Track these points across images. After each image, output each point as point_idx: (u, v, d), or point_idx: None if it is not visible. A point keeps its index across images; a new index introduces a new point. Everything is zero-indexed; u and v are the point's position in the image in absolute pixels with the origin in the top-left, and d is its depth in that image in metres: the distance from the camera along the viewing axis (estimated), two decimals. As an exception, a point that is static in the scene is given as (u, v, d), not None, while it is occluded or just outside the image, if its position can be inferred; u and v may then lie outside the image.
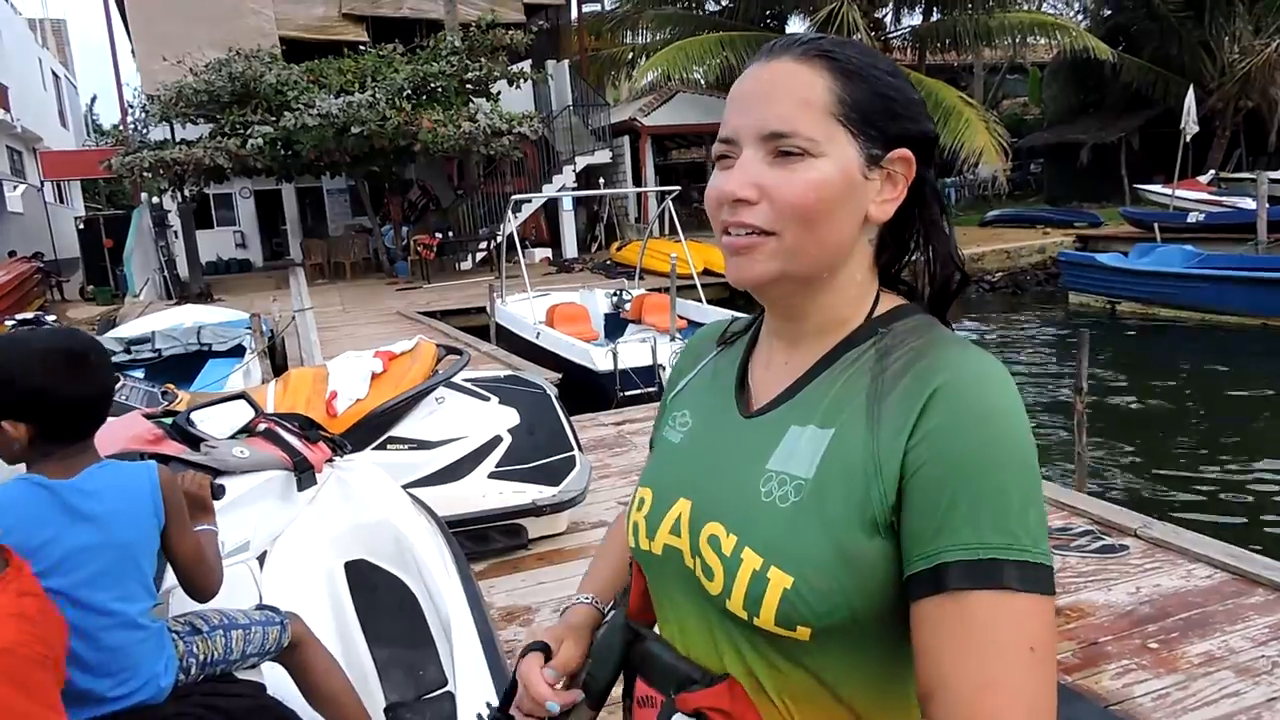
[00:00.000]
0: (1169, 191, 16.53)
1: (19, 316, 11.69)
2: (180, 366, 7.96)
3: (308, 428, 2.71)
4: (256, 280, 19.14)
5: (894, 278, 0.89)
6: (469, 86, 16.92)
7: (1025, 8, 20.82)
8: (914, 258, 0.88)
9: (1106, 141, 21.81)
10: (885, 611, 0.74)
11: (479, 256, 18.39)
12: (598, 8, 26.04)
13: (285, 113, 15.26)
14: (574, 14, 23.34)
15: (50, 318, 12.35)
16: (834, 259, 0.81)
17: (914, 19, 22.19)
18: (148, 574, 1.56)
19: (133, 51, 19.09)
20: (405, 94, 16.02)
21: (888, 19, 21.46)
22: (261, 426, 2.53)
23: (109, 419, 2.61)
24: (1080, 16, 25.38)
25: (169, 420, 2.43)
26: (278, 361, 9.26)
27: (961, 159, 17.84)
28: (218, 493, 2.00)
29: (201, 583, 1.71)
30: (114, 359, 7.13)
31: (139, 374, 7.32)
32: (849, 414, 0.78)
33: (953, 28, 19.91)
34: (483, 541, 3.90)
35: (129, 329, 9.14)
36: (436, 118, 15.64)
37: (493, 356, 8.86)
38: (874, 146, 0.79)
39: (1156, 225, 14.77)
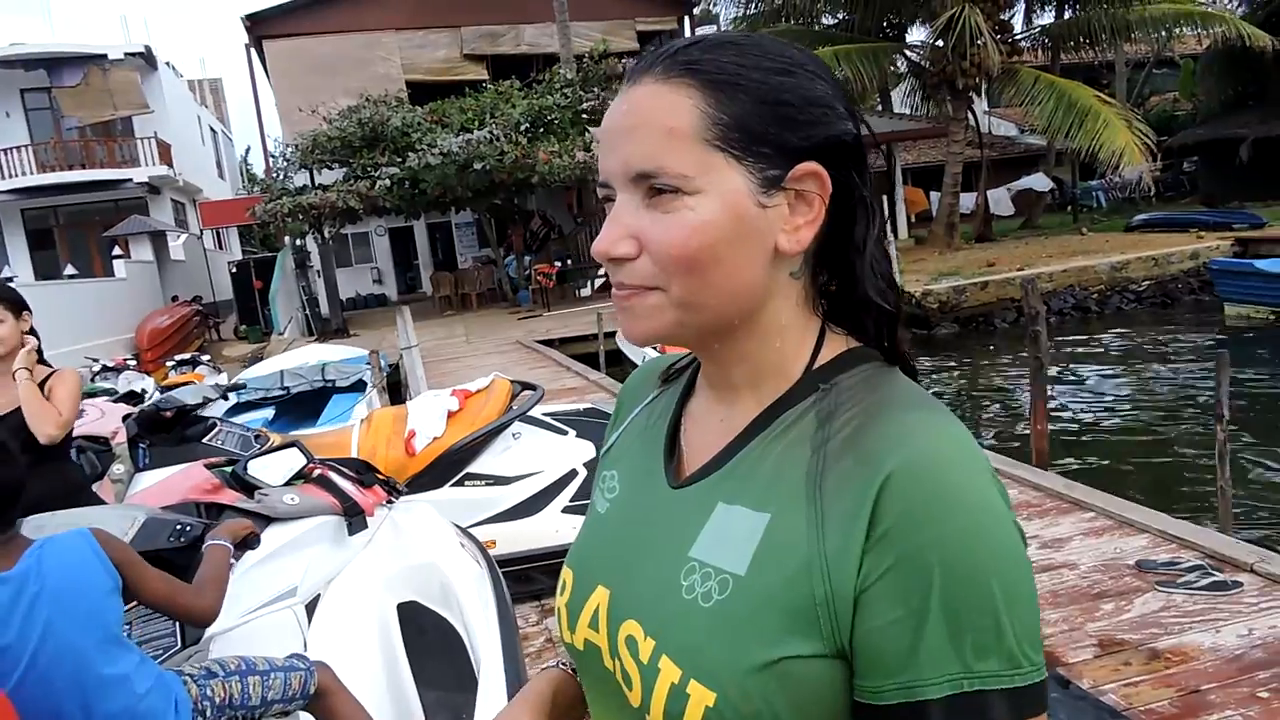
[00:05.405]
0: (1342, 185, 15.04)
1: (178, 357, 12.69)
2: (308, 403, 8.38)
3: (363, 471, 2.78)
4: (390, 314, 20.03)
5: (843, 313, 0.75)
6: (584, 116, 17.28)
7: (1170, -2, 19.48)
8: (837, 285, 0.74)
9: (1271, 135, 20.06)
10: None
11: (598, 283, 18.68)
12: (712, 28, 26.11)
13: (410, 153, 16.01)
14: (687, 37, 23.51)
15: (205, 357, 13.34)
16: (742, 305, 0.69)
17: (1046, 18, 21.21)
18: (118, 633, 1.59)
19: (276, 104, 20.48)
20: (522, 128, 16.51)
21: (1016, 20, 20.56)
22: (315, 473, 2.61)
23: (174, 469, 2.77)
24: (1234, 2, 23.58)
25: (228, 469, 2.54)
26: (400, 395, 9.62)
27: (1102, 161, 16.83)
28: (253, 543, 2.06)
29: (185, 610, 1.72)
30: (243, 399, 7.59)
31: (269, 412, 7.76)
32: (787, 496, 0.65)
33: (1088, 24, 18.87)
34: (556, 576, 3.90)
35: (258, 369, 9.70)
36: (552, 149, 16.03)
37: (600, 385, 8.93)
38: (770, 166, 0.66)
39: (1327, 223, 13.44)
